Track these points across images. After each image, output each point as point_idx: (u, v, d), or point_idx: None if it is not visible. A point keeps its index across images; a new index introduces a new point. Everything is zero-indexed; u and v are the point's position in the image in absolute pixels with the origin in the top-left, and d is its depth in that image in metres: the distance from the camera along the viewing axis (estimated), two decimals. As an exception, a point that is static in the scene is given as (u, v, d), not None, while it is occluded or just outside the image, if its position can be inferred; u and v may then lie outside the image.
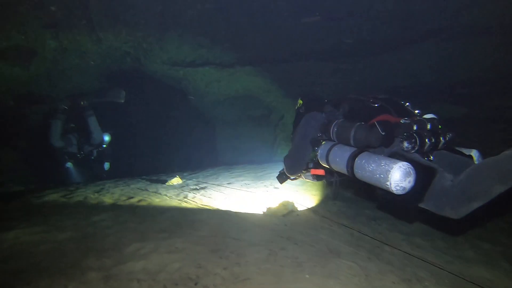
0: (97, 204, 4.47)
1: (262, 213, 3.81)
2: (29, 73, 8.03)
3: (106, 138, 8.08)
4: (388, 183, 2.00)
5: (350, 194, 4.97)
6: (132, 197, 4.66)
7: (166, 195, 4.68)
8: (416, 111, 2.56)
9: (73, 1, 7.06)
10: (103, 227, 3.47)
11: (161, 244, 2.88)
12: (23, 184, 8.67)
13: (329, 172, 2.96)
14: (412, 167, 2.03)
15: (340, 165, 2.47)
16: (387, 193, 2.11)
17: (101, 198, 4.74)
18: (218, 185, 5.18)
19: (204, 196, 4.61)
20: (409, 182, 2.00)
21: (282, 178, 3.51)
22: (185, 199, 4.45)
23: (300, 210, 3.91)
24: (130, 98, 11.84)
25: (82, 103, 7.83)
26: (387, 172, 2.00)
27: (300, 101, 3.36)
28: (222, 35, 8.94)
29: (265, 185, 5.17)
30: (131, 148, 11.37)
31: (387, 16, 7.86)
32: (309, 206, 4.24)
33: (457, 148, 2.44)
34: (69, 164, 8.22)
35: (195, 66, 9.49)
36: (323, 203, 4.37)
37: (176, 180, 5.53)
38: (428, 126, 2.28)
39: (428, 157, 2.27)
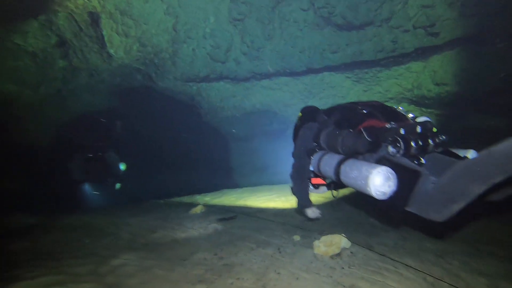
0: (115, 240, 3.91)
1: (312, 254, 3.19)
2: (39, 94, 7.60)
3: (122, 167, 8.30)
4: (368, 188, 2.00)
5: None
6: (154, 231, 4.09)
7: (192, 228, 4.10)
8: (410, 115, 2.50)
9: (83, 18, 6.65)
10: (126, 275, 2.90)
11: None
12: (35, 212, 8.22)
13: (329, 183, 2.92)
14: (392, 172, 2.01)
15: (329, 173, 2.48)
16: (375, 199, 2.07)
17: (119, 233, 4.18)
18: (247, 214, 4.57)
19: (238, 229, 4.02)
20: (389, 186, 1.98)
21: (302, 208, 3.20)
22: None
23: (352, 247, 3.31)
24: (141, 116, 11.43)
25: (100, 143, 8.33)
26: (367, 177, 2.00)
27: (300, 114, 3.32)
28: (237, 47, 8.51)
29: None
30: (143, 168, 10.86)
31: (409, 24, 7.39)
32: (357, 239, 3.63)
33: (454, 150, 2.32)
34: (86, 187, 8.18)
35: (209, 81, 9.01)
36: (371, 233, 3.77)
37: (199, 208, 4.94)
38: (418, 129, 2.21)
39: (419, 160, 2.18)
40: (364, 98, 8.67)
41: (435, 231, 3.82)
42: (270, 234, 3.67)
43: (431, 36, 7.21)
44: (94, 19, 6.61)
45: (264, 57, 8.64)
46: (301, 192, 3.11)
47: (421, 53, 7.51)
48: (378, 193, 2.00)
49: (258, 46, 8.45)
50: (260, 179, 9.98)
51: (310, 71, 8.62)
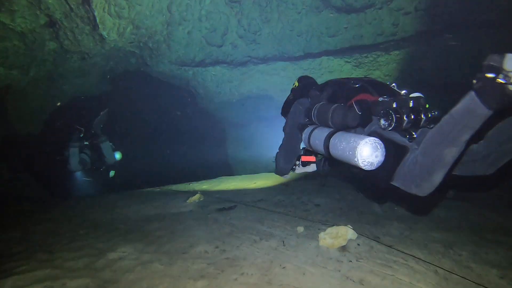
0: (111, 231, 3.73)
1: (317, 245, 3.05)
2: (28, 77, 7.24)
3: (117, 156, 8.10)
4: (356, 159, 1.98)
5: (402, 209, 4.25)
6: (151, 222, 3.92)
7: (191, 218, 3.92)
8: (403, 91, 2.43)
9: (74, -3, 6.26)
10: (123, 270, 2.73)
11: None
12: (26, 199, 8.01)
13: (320, 159, 2.89)
14: (380, 142, 1.99)
15: (319, 147, 2.46)
16: (361, 170, 2.06)
17: (115, 224, 4.00)
18: (246, 204, 4.41)
19: (239, 220, 3.86)
20: (376, 156, 1.96)
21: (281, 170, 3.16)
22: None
23: (358, 238, 3.17)
24: (136, 100, 11.11)
25: (93, 131, 8.13)
26: (355, 148, 1.98)
27: (297, 83, 3.26)
28: (234, 31, 8.19)
29: (303, 202, 4.42)
30: (138, 153, 10.60)
31: (410, 7, 7.13)
32: (362, 229, 3.51)
33: None
34: (78, 174, 7.94)
35: (205, 65, 8.71)
36: (376, 223, 3.64)
37: (197, 197, 4.77)
38: (411, 104, 2.17)
39: (411, 134, 2.14)
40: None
41: (440, 219, 3.71)
42: (272, 225, 3.52)
43: (433, 19, 6.98)
44: (85, -2, 6.24)
45: (261, 41, 8.35)
46: (284, 164, 3.06)
47: (423, 37, 7.29)
48: (365, 163, 1.98)
49: (255, 29, 8.15)
50: (256, 166, 9.83)
51: (308, 55, 8.36)
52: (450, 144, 1.75)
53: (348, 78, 2.82)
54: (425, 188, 1.88)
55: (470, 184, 3.83)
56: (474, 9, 6.51)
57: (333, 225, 3.18)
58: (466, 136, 1.71)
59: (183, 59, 8.65)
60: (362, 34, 7.74)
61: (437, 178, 1.82)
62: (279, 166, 3.09)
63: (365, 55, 7.98)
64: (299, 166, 3.03)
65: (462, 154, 1.89)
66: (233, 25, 8.09)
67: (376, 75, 8.23)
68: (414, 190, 1.94)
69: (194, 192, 5.10)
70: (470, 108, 1.66)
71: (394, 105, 2.14)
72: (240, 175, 8.41)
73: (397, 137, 2.12)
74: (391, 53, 7.73)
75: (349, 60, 8.16)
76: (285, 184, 5.35)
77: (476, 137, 1.86)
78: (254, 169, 10.03)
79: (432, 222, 3.59)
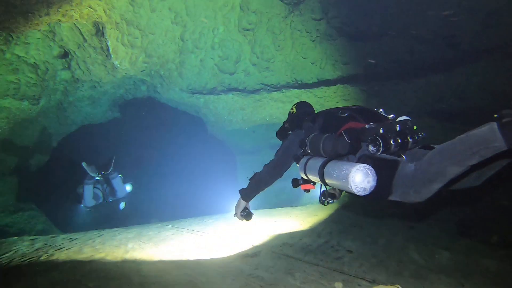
0: (124, 285, 3.36)
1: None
2: (39, 107, 7.05)
3: (128, 188, 8.34)
4: (349, 186, 2.08)
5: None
6: (168, 272, 3.55)
7: (214, 269, 3.55)
8: (391, 116, 2.56)
9: (88, 29, 6.15)
10: None
11: None
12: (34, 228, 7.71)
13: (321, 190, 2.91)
14: (371, 168, 2.09)
15: (314, 176, 2.56)
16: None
17: (129, 275, 3.63)
18: (271, 250, 4.02)
19: (266, 270, 3.47)
20: (368, 182, 2.07)
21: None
22: None
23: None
24: (144, 127, 10.92)
25: (105, 172, 8.28)
26: (347, 176, 2.08)
27: (294, 109, 3.38)
28: (247, 58, 8.05)
29: (332, 246, 4.03)
30: (146, 186, 10.31)
31: (428, 34, 6.97)
32: (407, 286, 3.14)
33: (434, 146, 2.28)
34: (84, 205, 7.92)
35: (217, 93, 8.53)
36: (419, 276, 3.26)
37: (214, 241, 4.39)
38: (397, 128, 2.25)
39: (400, 157, 2.23)
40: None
41: (492, 273, 3.33)
42: (306, 279, 3.15)
43: (451, 47, 6.79)
44: (99, 29, 6.12)
45: (274, 68, 8.20)
46: (257, 185, 3.16)
47: (441, 65, 7.09)
48: (358, 189, 2.07)
49: (268, 57, 8.01)
50: (267, 196, 9.46)
51: (322, 83, 8.17)
52: (456, 163, 1.81)
53: (337, 108, 2.93)
54: (423, 194, 1.96)
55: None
56: (493, 36, 6.33)
57: (375, 283, 2.82)
58: (473, 162, 1.76)
59: (195, 87, 8.48)
60: (378, 62, 7.57)
61: (435, 187, 1.92)
62: (265, 175, 3.13)
63: (382, 83, 7.78)
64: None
65: (463, 175, 1.96)
66: (246, 52, 7.97)
67: (394, 104, 7.99)
68: (412, 196, 2.01)
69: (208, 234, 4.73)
70: (488, 139, 1.68)
71: (381, 131, 2.20)
72: (256, 209, 8.05)
73: (387, 156, 2.21)
74: (408, 81, 7.52)
75: (364, 88, 7.95)
76: (307, 225, 4.98)
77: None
78: (264, 198, 9.68)
79: (484, 277, 3.21)
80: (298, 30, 7.70)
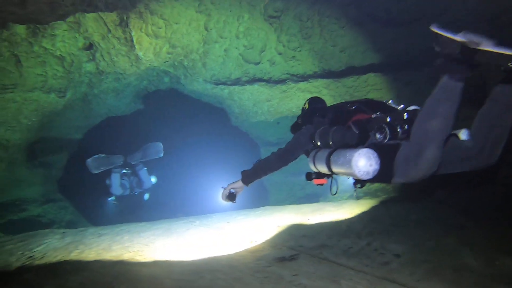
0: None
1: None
2: (65, 99, 6.96)
3: (153, 180, 8.52)
4: (353, 171, 2.12)
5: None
6: (201, 275, 3.32)
7: (252, 275, 3.29)
8: (400, 106, 2.55)
9: (112, 19, 5.93)
10: None
11: None
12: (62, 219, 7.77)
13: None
14: (373, 151, 2.13)
15: (323, 167, 2.58)
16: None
17: (158, 277, 3.43)
18: (310, 253, 3.71)
19: (307, 277, 3.17)
20: (370, 165, 2.10)
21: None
22: None
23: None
24: (166, 119, 10.79)
25: (133, 163, 8.57)
26: (350, 161, 2.13)
27: (307, 105, 3.50)
28: (273, 47, 7.67)
29: (376, 249, 3.70)
30: (170, 179, 10.24)
31: (468, 17, 6.38)
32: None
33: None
34: (112, 199, 8.41)
35: (242, 83, 8.22)
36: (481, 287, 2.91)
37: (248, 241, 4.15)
38: (405, 116, 2.21)
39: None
40: (415, 101, 7.72)
41: None
42: (353, 288, 2.85)
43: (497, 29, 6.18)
44: (123, 19, 5.90)
45: (301, 57, 7.79)
46: (261, 168, 3.21)
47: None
48: (361, 173, 2.10)
49: (295, 45, 7.60)
50: (292, 189, 9.16)
51: (352, 72, 7.71)
52: (431, 117, 1.89)
53: (346, 101, 3.02)
54: (422, 166, 1.97)
55: None
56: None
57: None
58: (445, 107, 1.85)
59: (219, 77, 8.20)
60: (410, 49, 7.04)
61: (429, 154, 1.93)
62: (247, 173, 3.21)
63: (415, 72, 7.25)
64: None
65: (451, 129, 1.99)
66: (271, 41, 7.60)
67: (428, 93, 7.45)
68: (413, 173, 2.04)
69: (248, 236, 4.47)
70: (442, 80, 1.89)
71: (388, 119, 2.22)
72: (277, 203, 7.77)
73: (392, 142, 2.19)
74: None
75: (397, 77, 7.44)
76: (344, 223, 4.65)
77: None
78: (290, 191, 9.39)
79: None
80: (327, 17, 7.24)
